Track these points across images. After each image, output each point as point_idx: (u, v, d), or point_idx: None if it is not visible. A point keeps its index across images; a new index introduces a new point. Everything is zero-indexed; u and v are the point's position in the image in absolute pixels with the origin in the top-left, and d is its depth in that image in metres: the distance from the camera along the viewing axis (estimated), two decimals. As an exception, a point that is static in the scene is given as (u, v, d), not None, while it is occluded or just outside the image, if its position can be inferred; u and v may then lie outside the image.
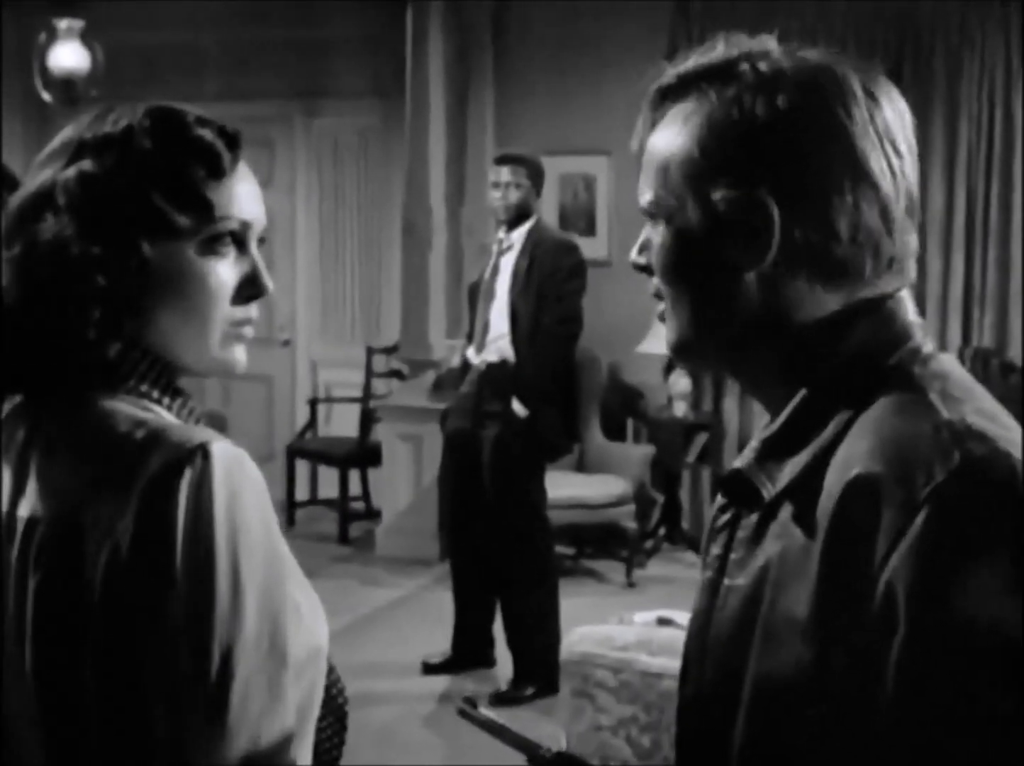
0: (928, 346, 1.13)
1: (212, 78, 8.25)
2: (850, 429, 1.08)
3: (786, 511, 1.10)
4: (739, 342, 1.16)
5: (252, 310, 1.34)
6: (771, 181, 1.10)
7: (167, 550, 1.16)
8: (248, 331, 1.34)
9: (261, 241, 1.35)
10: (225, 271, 1.30)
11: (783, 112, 1.10)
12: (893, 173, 1.12)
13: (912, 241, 1.15)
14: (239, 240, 1.31)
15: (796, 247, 1.11)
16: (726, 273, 1.14)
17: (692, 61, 1.17)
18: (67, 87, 7.07)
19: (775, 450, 1.13)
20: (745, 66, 1.13)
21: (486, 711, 1.57)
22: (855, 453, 1.04)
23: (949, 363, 1.13)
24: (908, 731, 0.98)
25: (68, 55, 7.03)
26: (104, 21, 7.26)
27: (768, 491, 1.12)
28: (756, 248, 1.11)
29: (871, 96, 1.12)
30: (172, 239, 1.26)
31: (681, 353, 1.21)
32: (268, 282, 1.33)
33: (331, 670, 1.34)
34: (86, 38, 7.03)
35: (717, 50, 1.16)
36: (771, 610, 1.08)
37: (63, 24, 7.00)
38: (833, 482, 1.05)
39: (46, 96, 7.15)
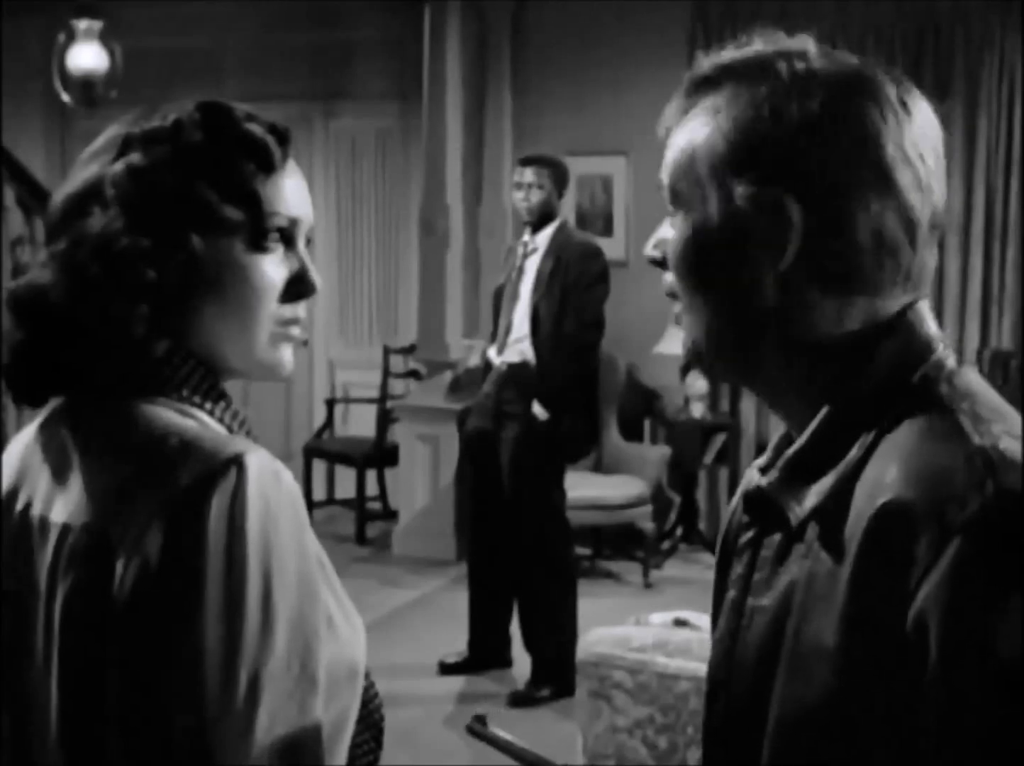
0: (951, 359, 1.11)
1: (231, 80, 8.26)
2: (876, 450, 1.05)
3: (812, 531, 1.08)
4: (755, 351, 1.13)
5: (300, 309, 1.31)
6: (796, 184, 1.08)
7: (196, 568, 1.10)
8: (296, 331, 1.31)
9: (308, 242, 1.32)
10: (272, 268, 1.27)
11: (815, 115, 1.08)
12: (920, 185, 1.09)
13: (932, 256, 1.13)
14: (287, 237, 1.29)
15: (815, 253, 1.08)
16: (740, 272, 1.11)
17: (728, 55, 1.14)
18: (86, 88, 7.09)
19: (800, 470, 1.11)
20: (782, 64, 1.10)
21: (497, 729, 1.53)
22: (884, 479, 1.02)
23: (973, 379, 1.11)
24: None
25: (87, 56, 7.04)
26: (123, 23, 7.28)
27: (795, 515, 1.10)
28: (773, 250, 1.09)
29: (904, 105, 1.10)
30: (221, 233, 1.23)
31: (696, 360, 1.18)
32: (317, 280, 1.31)
33: (369, 686, 1.30)
34: (105, 39, 7.05)
35: (753, 45, 1.13)
36: (797, 636, 1.06)
37: (82, 25, 7.01)
38: (861, 507, 1.03)
39: (65, 97, 7.16)
